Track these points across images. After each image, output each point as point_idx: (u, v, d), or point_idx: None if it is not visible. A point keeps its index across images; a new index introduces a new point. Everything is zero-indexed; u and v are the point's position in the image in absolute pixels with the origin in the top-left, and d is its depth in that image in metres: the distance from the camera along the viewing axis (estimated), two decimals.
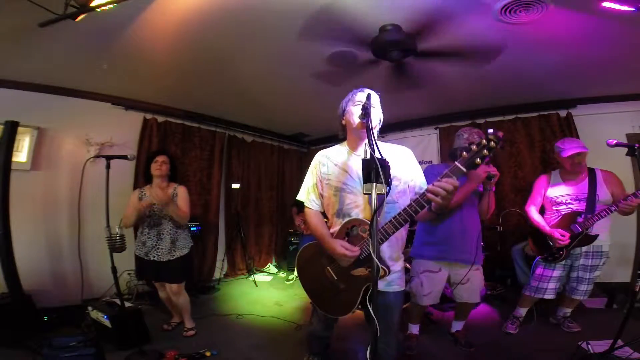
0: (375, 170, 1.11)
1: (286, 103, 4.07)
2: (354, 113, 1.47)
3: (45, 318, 2.71)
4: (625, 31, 2.24)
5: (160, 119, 3.99)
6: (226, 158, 4.80)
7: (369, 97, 1.37)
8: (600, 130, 3.41)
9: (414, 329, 2.45)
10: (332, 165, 1.58)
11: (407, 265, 3.02)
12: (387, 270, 1.37)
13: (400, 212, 1.31)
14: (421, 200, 1.27)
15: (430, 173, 2.25)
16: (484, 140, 1.18)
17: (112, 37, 2.40)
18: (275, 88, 3.53)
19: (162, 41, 2.48)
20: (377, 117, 1.51)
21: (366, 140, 1.29)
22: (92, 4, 1.73)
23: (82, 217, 3.16)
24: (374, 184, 1.11)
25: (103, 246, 2.29)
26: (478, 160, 1.18)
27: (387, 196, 1.20)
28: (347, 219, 1.48)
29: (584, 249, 2.38)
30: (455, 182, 1.21)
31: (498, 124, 4.17)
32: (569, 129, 3.68)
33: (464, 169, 1.21)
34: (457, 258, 2.20)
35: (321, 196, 1.62)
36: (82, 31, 2.22)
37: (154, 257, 2.52)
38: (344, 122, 1.59)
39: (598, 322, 2.60)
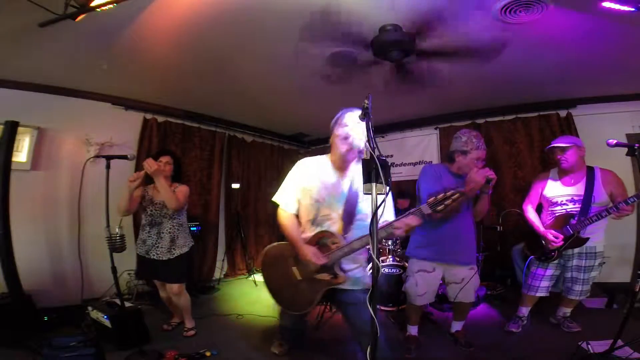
0: (376, 171, 1.11)
1: (286, 103, 4.07)
2: (340, 136, 1.61)
3: (45, 318, 2.70)
4: (625, 31, 2.24)
5: (160, 119, 3.99)
6: (226, 158, 4.80)
7: (369, 97, 1.37)
8: (600, 130, 3.41)
9: (413, 330, 2.44)
10: (316, 178, 1.71)
11: (406, 263, 3.03)
12: (344, 278, 1.60)
13: (366, 235, 1.50)
14: (389, 229, 1.49)
15: (427, 174, 2.26)
16: (449, 193, 1.40)
17: (112, 37, 2.40)
18: (275, 88, 3.53)
19: (162, 41, 2.48)
20: (361, 141, 1.54)
21: (353, 163, 1.63)
22: (92, 4, 1.73)
23: (82, 217, 3.16)
24: (373, 184, 1.12)
25: (103, 246, 2.29)
26: (441, 207, 1.41)
27: (356, 213, 1.56)
28: (319, 229, 1.66)
29: (576, 250, 2.38)
30: (418, 220, 1.47)
31: (498, 124, 4.18)
32: (569, 129, 3.68)
33: (427, 212, 1.44)
34: (450, 259, 2.24)
35: (298, 202, 1.74)
36: (82, 31, 2.22)
37: (154, 255, 2.51)
38: (331, 141, 1.70)
39: (598, 322, 2.59)
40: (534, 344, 2.37)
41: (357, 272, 1.72)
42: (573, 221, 2.31)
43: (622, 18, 2.06)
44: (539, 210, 2.60)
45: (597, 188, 2.31)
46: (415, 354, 2.31)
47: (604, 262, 2.42)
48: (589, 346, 2.11)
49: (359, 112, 1.49)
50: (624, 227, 3.42)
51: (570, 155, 2.36)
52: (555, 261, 2.44)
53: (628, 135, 3.47)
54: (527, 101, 3.91)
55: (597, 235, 2.35)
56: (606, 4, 1.92)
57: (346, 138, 1.56)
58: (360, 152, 1.59)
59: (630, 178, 3.25)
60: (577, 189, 2.37)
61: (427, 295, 2.28)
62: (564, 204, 2.40)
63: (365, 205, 1.65)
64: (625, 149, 1.92)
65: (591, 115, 3.67)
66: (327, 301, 1.87)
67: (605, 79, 3.16)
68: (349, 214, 1.65)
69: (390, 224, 1.48)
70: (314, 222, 1.70)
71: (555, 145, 2.43)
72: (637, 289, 1.96)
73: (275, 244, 1.86)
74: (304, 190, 1.72)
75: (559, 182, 2.47)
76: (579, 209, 2.32)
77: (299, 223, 1.76)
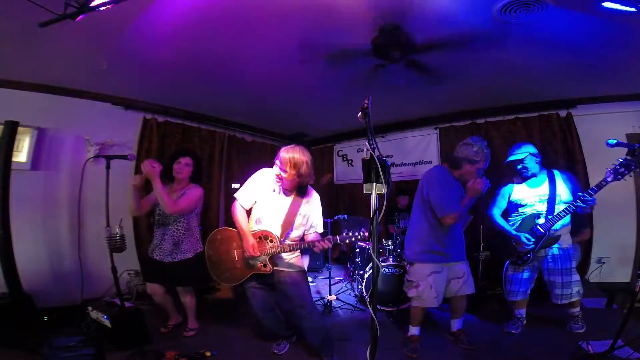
0: (375, 171, 1.12)
1: (286, 103, 4.07)
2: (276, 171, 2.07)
3: (45, 318, 2.70)
4: (625, 31, 2.24)
5: (160, 119, 3.99)
6: (226, 158, 4.79)
7: (369, 97, 1.38)
8: (600, 130, 3.41)
9: (416, 330, 2.45)
10: (269, 191, 2.12)
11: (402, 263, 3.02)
12: (270, 269, 2.08)
13: (296, 242, 2.10)
14: (312, 244, 1.98)
15: (439, 181, 2.34)
16: (359, 235, 1.81)
17: (112, 37, 2.39)
18: (276, 88, 3.53)
19: (162, 41, 2.48)
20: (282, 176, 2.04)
21: (296, 190, 2.11)
22: (92, 4, 1.73)
23: (82, 217, 3.16)
24: (373, 184, 1.12)
25: (103, 246, 2.30)
26: (347, 241, 1.85)
27: (292, 224, 2.08)
28: (262, 227, 2.10)
29: (549, 251, 2.41)
30: (330, 244, 1.91)
31: (498, 124, 4.18)
32: (569, 129, 3.68)
33: (337, 242, 1.88)
34: (454, 257, 2.33)
35: (253, 202, 2.16)
36: (82, 31, 2.22)
37: (157, 256, 2.50)
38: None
39: (598, 322, 2.59)
40: (534, 344, 2.38)
41: (294, 258, 2.18)
42: (541, 220, 2.36)
43: (623, 18, 2.06)
44: (504, 215, 2.64)
45: (561, 188, 2.40)
46: (418, 353, 2.32)
47: (604, 263, 2.41)
48: (589, 346, 2.11)
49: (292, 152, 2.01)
50: (624, 227, 3.43)
51: (528, 162, 2.44)
52: (530, 263, 2.48)
53: (628, 135, 3.46)
54: (527, 101, 3.90)
55: (565, 236, 2.41)
56: (606, 4, 1.92)
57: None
58: (302, 182, 2.07)
59: (629, 178, 3.24)
60: (543, 190, 2.44)
61: (439, 295, 2.32)
62: (532, 205, 2.46)
63: (299, 221, 2.13)
64: (625, 149, 1.93)
65: (591, 115, 3.66)
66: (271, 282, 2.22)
67: (605, 79, 3.16)
68: (287, 224, 2.10)
69: (313, 242, 1.97)
70: (259, 221, 2.14)
71: (511, 159, 2.50)
72: (637, 289, 1.96)
73: (227, 227, 2.28)
74: (258, 195, 2.14)
75: (524, 185, 2.53)
76: (546, 208, 2.39)
77: (248, 218, 2.18)
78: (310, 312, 2.17)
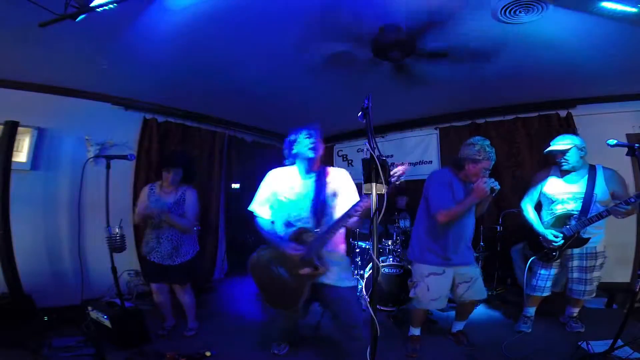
0: (375, 171, 1.12)
1: (286, 103, 4.07)
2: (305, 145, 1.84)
3: (45, 318, 2.70)
4: (625, 31, 2.24)
5: (160, 119, 3.99)
6: (226, 158, 4.80)
7: (369, 97, 1.38)
8: (600, 130, 3.40)
9: (416, 331, 2.44)
10: (285, 184, 1.93)
11: (407, 265, 3.02)
12: (325, 269, 1.75)
13: (336, 221, 1.72)
14: (352, 213, 1.63)
15: (437, 180, 2.31)
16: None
17: (112, 37, 2.39)
18: (275, 88, 3.53)
19: (162, 41, 2.48)
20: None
21: (317, 168, 1.89)
22: (92, 4, 1.73)
23: (82, 217, 3.15)
24: (373, 184, 1.12)
25: (103, 246, 2.30)
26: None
27: (325, 209, 1.81)
28: (296, 227, 1.86)
29: (576, 250, 2.34)
30: (368, 204, 1.51)
31: (498, 124, 4.18)
32: (569, 129, 3.67)
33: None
34: (458, 261, 2.24)
35: (272, 207, 1.97)
36: (82, 31, 2.22)
37: (155, 259, 2.50)
38: (294, 151, 1.90)
39: (598, 322, 2.59)
40: (534, 344, 2.37)
41: (341, 270, 1.90)
42: (573, 221, 2.27)
43: (622, 18, 2.06)
44: (538, 208, 2.55)
45: (600, 187, 2.26)
46: (418, 353, 2.31)
47: (603, 263, 2.39)
48: (589, 346, 2.11)
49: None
50: (624, 227, 3.42)
51: (571, 156, 2.32)
52: (557, 261, 2.41)
53: (628, 135, 3.47)
54: (527, 101, 3.90)
55: (597, 234, 2.32)
56: (606, 4, 1.92)
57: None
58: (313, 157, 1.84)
59: (630, 178, 3.24)
60: (579, 187, 2.32)
61: (441, 299, 2.25)
62: (565, 202, 2.36)
63: (331, 201, 1.86)
64: (625, 149, 1.92)
65: (591, 115, 3.66)
66: (316, 300, 1.98)
67: (605, 79, 3.16)
68: (318, 211, 1.84)
69: (353, 208, 1.62)
70: (288, 224, 1.92)
71: (554, 149, 2.39)
72: (637, 289, 1.96)
73: (256, 253, 2.00)
74: (274, 194, 1.95)
75: (560, 180, 2.41)
76: (580, 207, 2.28)
77: (276, 227, 1.97)
78: (361, 332, 1.88)
